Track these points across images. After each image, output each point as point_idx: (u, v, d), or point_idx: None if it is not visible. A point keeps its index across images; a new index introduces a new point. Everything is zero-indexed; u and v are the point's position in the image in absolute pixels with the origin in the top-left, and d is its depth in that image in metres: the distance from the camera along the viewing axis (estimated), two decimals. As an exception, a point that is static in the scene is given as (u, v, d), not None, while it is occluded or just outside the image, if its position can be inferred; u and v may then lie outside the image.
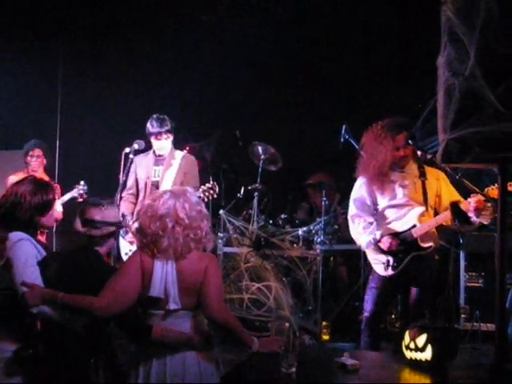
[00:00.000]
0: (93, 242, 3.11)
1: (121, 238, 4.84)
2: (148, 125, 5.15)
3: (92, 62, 7.85)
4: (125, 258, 4.77)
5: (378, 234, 4.16)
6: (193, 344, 2.76)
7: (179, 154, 5.26)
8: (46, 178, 5.74)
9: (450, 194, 4.16)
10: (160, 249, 2.76)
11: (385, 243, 4.11)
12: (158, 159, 5.21)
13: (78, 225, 3.12)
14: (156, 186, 5.07)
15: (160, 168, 5.17)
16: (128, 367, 2.84)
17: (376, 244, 4.17)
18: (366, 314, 4.25)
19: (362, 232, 4.26)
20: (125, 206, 5.09)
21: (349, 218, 4.38)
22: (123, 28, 7.68)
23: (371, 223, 4.24)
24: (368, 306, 4.22)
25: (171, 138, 5.21)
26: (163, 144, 5.15)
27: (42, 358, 2.93)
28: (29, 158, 5.87)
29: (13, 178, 5.82)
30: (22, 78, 7.69)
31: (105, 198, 3.21)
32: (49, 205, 3.20)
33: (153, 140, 5.16)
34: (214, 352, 2.90)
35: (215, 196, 4.97)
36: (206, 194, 4.91)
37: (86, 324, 2.87)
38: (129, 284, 2.75)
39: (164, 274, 2.76)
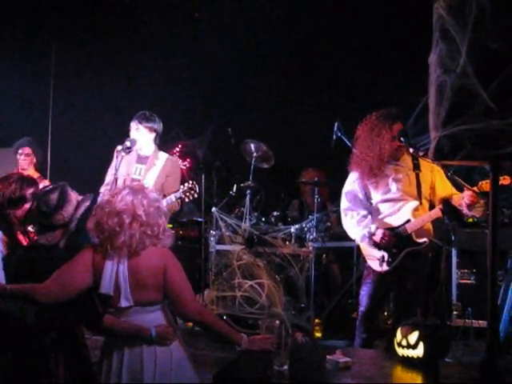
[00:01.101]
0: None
1: None
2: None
3: (84, 59, 7.82)
4: None
5: (373, 228, 4.13)
6: (147, 338, 2.75)
7: (163, 155, 5.21)
8: (36, 176, 5.73)
9: (444, 185, 4.16)
10: (115, 245, 2.75)
11: (377, 235, 4.09)
12: (141, 158, 5.16)
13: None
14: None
15: (142, 167, 5.11)
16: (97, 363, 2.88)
17: (370, 237, 4.14)
18: (361, 308, 4.24)
19: (356, 225, 4.22)
20: None
21: (341, 211, 4.35)
22: (115, 25, 7.65)
23: (365, 216, 4.21)
24: (364, 300, 4.21)
25: (150, 135, 5.12)
26: (137, 136, 5.05)
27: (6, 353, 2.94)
28: (18, 157, 5.84)
29: None
30: (14, 74, 7.65)
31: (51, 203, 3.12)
32: (21, 200, 3.19)
33: (130, 133, 5.10)
34: (175, 346, 2.86)
35: (196, 196, 4.93)
36: (187, 194, 4.88)
37: (37, 315, 2.86)
38: (74, 276, 2.79)
39: (115, 271, 2.76)
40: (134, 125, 5.07)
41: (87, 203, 3.19)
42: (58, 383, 2.89)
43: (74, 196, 3.15)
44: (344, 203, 4.32)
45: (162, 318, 2.87)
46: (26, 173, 5.47)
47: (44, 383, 2.87)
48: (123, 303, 2.75)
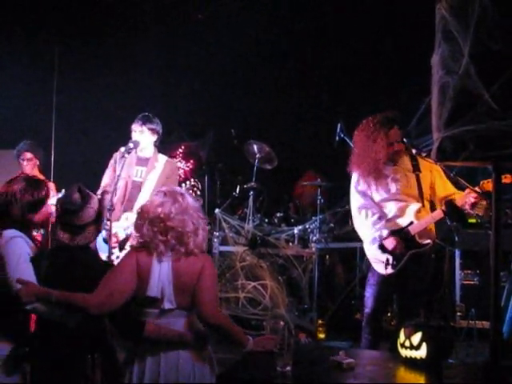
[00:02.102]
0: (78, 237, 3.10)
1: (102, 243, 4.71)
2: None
3: (87, 61, 7.83)
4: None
5: (385, 233, 4.11)
6: (186, 343, 2.78)
7: (162, 157, 5.21)
8: (41, 178, 5.73)
9: (444, 185, 4.15)
10: (156, 248, 2.78)
11: (389, 244, 4.07)
12: (141, 160, 5.16)
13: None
14: (138, 186, 5.02)
15: (143, 169, 5.11)
16: (124, 365, 2.85)
17: (381, 241, 4.12)
18: (367, 310, 4.23)
19: (370, 226, 4.17)
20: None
21: (354, 209, 4.28)
22: (118, 28, 7.67)
23: (380, 218, 4.17)
24: (369, 302, 4.20)
25: (152, 137, 5.12)
26: (139, 138, 5.05)
27: (38, 356, 2.94)
28: (20, 161, 5.83)
29: None
30: (17, 76, 7.67)
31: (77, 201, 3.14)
32: (40, 202, 3.19)
33: (132, 135, 5.10)
34: (208, 352, 2.90)
35: (198, 193, 4.94)
36: (190, 191, 4.90)
37: (80, 320, 2.86)
38: (123, 283, 2.77)
39: (160, 273, 2.78)
40: (137, 126, 5.07)
41: (108, 195, 3.21)
42: None
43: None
44: (357, 201, 4.25)
45: (197, 322, 2.89)
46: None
47: None
48: (166, 305, 2.76)
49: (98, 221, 3.13)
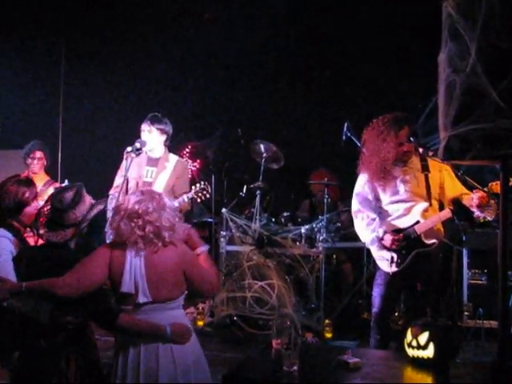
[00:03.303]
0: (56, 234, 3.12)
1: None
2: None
3: (94, 61, 7.86)
4: None
5: (380, 232, 4.14)
6: (163, 336, 2.79)
7: (173, 157, 5.22)
8: (46, 179, 5.76)
9: (453, 185, 4.14)
10: (131, 241, 2.83)
11: (387, 241, 4.10)
12: (152, 160, 5.17)
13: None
14: (149, 187, 5.02)
15: (153, 169, 5.12)
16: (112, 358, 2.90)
17: (379, 241, 4.15)
18: (374, 309, 4.23)
19: (365, 228, 4.24)
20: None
21: (352, 213, 4.38)
22: (125, 27, 7.68)
23: (374, 219, 4.22)
24: (376, 301, 4.20)
25: (161, 137, 5.13)
26: (148, 138, 5.07)
27: (17, 350, 2.99)
28: (30, 161, 5.82)
29: None
30: (24, 76, 7.71)
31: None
32: (22, 204, 3.27)
33: (141, 135, 5.11)
34: (193, 344, 2.92)
35: (208, 196, 4.95)
36: (199, 194, 4.90)
37: (52, 313, 2.90)
38: (92, 271, 2.84)
39: (133, 268, 2.82)
40: (145, 126, 5.08)
41: (101, 206, 3.22)
42: (69, 383, 2.91)
43: (88, 198, 3.19)
44: (354, 205, 4.33)
45: (182, 316, 2.96)
46: (36, 176, 5.55)
47: (55, 383, 2.89)
48: (141, 299, 2.79)
49: (79, 226, 3.13)
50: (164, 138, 5.15)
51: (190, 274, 2.90)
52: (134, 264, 2.82)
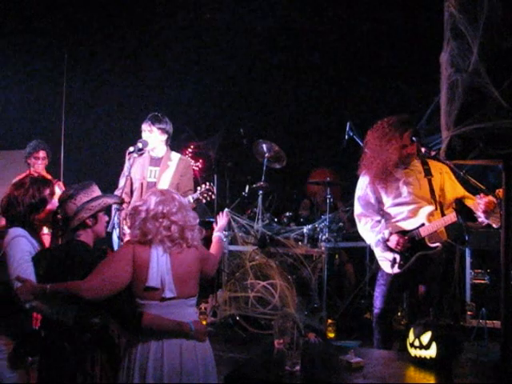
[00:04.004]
0: (74, 234, 3.12)
1: (116, 240, 4.72)
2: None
3: (96, 61, 7.87)
4: None
5: (386, 233, 4.12)
6: (186, 332, 2.81)
7: (175, 155, 5.23)
8: (48, 177, 5.76)
9: (453, 187, 4.13)
10: (157, 240, 2.87)
11: (392, 241, 4.09)
12: (154, 160, 5.17)
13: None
14: (153, 187, 5.03)
15: (156, 169, 5.13)
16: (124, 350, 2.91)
17: (385, 242, 4.14)
18: (376, 309, 4.23)
19: (369, 230, 4.23)
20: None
21: (355, 217, 4.36)
22: (127, 28, 7.69)
23: (379, 221, 4.22)
24: (378, 302, 4.20)
25: (162, 137, 5.13)
26: (149, 138, 5.07)
27: (40, 352, 3.00)
28: (33, 160, 5.83)
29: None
30: (27, 76, 7.72)
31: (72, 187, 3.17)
32: (42, 202, 3.25)
33: (142, 135, 5.12)
34: (208, 343, 2.96)
35: (213, 197, 4.96)
36: (204, 195, 4.92)
37: (76, 316, 2.90)
38: (116, 271, 2.83)
39: (159, 264, 2.85)
40: (146, 126, 5.09)
41: (108, 200, 3.20)
42: (94, 383, 2.91)
43: (95, 193, 3.17)
44: (357, 209, 4.32)
45: (196, 313, 3.03)
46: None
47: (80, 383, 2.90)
48: (167, 294, 2.82)
49: (77, 214, 3.10)
50: (165, 137, 5.16)
51: (205, 269, 3.06)
52: (160, 260, 2.85)
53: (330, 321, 5.60)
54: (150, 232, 2.87)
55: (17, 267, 3.00)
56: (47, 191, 3.27)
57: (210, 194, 4.93)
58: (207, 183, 4.96)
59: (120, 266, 2.84)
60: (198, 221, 3.04)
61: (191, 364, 2.79)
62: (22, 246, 3.10)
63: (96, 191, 3.18)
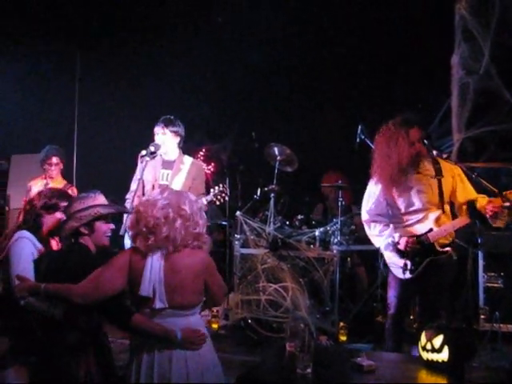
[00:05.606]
0: (76, 235, 3.13)
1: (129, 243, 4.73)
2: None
3: (108, 65, 7.92)
4: None
5: (396, 237, 4.10)
6: (173, 340, 2.76)
7: (188, 159, 5.25)
8: (63, 183, 5.83)
9: (465, 191, 4.10)
10: (159, 238, 2.78)
11: (402, 243, 4.07)
12: (167, 163, 5.19)
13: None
14: None
15: (169, 172, 5.15)
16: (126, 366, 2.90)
17: (395, 246, 4.12)
18: (391, 311, 4.22)
19: (379, 235, 4.22)
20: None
21: (363, 222, 4.35)
22: (139, 31, 7.74)
23: (387, 225, 4.19)
24: (392, 303, 4.20)
25: (175, 139, 5.16)
26: (162, 141, 5.08)
27: (35, 352, 3.04)
28: (47, 166, 5.88)
29: (32, 183, 5.90)
30: (39, 81, 7.79)
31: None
32: (54, 206, 3.37)
33: (155, 138, 5.14)
34: (207, 350, 2.88)
35: (226, 198, 4.99)
36: (218, 197, 4.95)
37: (66, 312, 2.93)
38: (110, 278, 2.82)
39: (152, 272, 2.79)
40: (159, 129, 5.12)
41: (107, 210, 3.19)
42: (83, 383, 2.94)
43: (97, 201, 3.17)
44: (365, 215, 4.31)
45: (197, 322, 2.91)
46: (54, 181, 5.65)
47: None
48: (158, 305, 2.77)
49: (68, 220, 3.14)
50: (178, 140, 5.19)
51: (209, 284, 2.91)
52: (154, 268, 2.79)
53: (341, 324, 5.58)
54: (178, 233, 2.80)
55: (16, 267, 3.12)
56: (64, 203, 3.34)
57: (224, 195, 4.96)
58: (221, 184, 4.98)
59: (114, 273, 2.83)
60: (205, 226, 2.96)
61: (180, 375, 2.75)
62: (25, 247, 3.21)
63: (97, 200, 3.16)
